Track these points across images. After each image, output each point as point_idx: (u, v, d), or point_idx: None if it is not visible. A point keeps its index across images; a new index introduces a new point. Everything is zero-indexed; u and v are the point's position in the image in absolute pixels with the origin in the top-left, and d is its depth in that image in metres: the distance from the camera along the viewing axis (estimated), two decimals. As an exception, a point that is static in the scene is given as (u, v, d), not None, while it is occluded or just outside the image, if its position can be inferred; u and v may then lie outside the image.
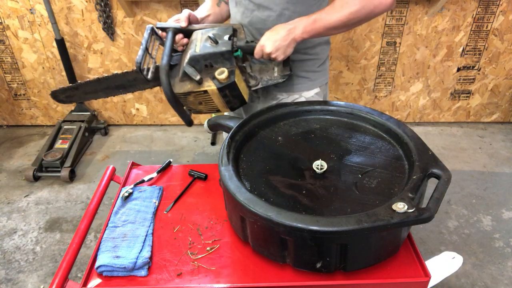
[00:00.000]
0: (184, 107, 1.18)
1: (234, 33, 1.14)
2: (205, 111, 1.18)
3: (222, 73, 1.06)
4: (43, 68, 2.78)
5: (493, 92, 2.88)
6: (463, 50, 2.70)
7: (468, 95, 2.90)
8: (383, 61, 2.74)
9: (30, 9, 2.55)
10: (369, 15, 1.06)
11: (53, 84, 2.85)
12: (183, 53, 1.18)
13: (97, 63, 2.76)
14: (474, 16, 2.56)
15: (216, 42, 1.09)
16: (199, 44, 1.11)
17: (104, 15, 2.53)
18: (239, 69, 1.11)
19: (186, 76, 1.10)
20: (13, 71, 2.79)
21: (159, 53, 1.14)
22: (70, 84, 1.36)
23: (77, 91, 1.35)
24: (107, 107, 2.97)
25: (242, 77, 1.13)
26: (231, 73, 1.07)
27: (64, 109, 2.97)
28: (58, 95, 1.37)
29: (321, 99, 1.33)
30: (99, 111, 2.99)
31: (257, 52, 1.09)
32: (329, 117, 1.11)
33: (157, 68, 1.14)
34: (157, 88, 2.85)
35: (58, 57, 2.66)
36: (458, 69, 2.78)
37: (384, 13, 2.53)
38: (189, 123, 1.21)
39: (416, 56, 2.72)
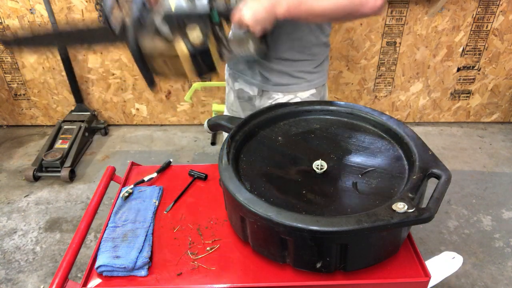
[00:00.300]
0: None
1: None
2: (170, 75, 1.08)
3: (196, 37, 0.99)
4: (43, 68, 2.78)
5: (493, 92, 2.88)
6: (463, 50, 2.70)
7: (468, 95, 2.90)
8: (383, 61, 2.75)
9: (30, 9, 2.55)
10: (355, 12, 1.03)
11: (53, 84, 2.85)
12: (154, 8, 1.06)
13: (97, 63, 2.76)
14: (474, 16, 2.56)
15: (193, 0, 1.01)
16: (174, 0, 1.02)
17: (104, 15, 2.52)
18: (213, 36, 1.04)
19: (158, 35, 1.01)
20: (13, 71, 2.79)
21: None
22: (26, 34, 1.20)
23: (32, 40, 1.19)
24: (107, 107, 2.97)
25: (215, 45, 1.05)
26: (205, 37, 1.00)
27: (64, 109, 2.97)
28: (8, 40, 1.22)
29: None
30: (99, 111, 2.99)
31: (234, 19, 1.02)
32: (329, 117, 1.11)
33: (126, 23, 1.04)
34: (157, 88, 2.86)
35: (58, 57, 2.66)
36: (458, 69, 2.78)
37: (383, 13, 2.53)
38: (153, 84, 1.10)
39: (416, 56, 2.72)
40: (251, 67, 1.28)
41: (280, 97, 1.28)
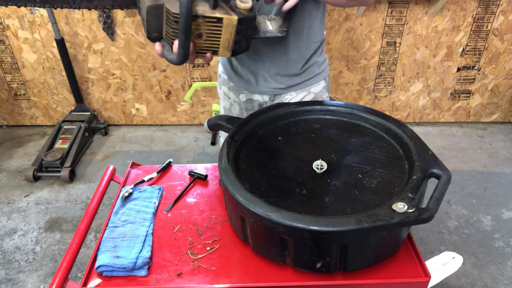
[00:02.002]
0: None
1: None
2: (200, 47, 0.94)
3: (245, 2, 0.90)
4: (43, 68, 2.78)
5: (493, 92, 2.88)
6: (463, 50, 2.70)
7: (468, 95, 2.90)
8: (383, 61, 2.75)
9: (30, 9, 2.55)
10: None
11: (53, 84, 2.85)
12: None
13: (97, 63, 2.76)
14: (474, 16, 2.56)
15: None
16: None
17: (104, 15, 2.53)
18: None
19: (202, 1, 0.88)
20: (13, 71, 2.79)
21: None
22: None
23: None
24: (107, 107, 2.97)
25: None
26: (253, 4, 0.91)
27: (64, 109, 2.97)
28: None
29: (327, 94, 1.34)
30: (99, 111, 2.99)
31: None
32: (329, 117, 1.11)
33: None
34: (157, 88, 2.87)
35: (58, 57, 2.66)
36: (458, 69, 2.78)
37: (383, 13, 2.53)
38: (185, 58, 0.91)
39: (416, 56, 2.72)
40: (259, 75, 1.25)
41: (294, 97, 1.27)
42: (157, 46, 0.94)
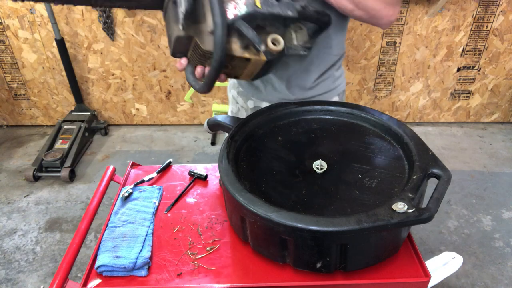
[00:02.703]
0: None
1: None
2: (225, 76, 0.95)
3: (277, 43, 0.86)
4: (43, 68, 2.78)
5: (493, 92, 2.88)
6: (463, 50, 2.70)
7: (468, 95, 2.90)
8: (383, 61, 2.75)
9: (30, 9, 2.55)
10: (370, 15, 1.01)
11: (53, 84, 2.85)
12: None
13: (97, 63, 2.76)
14: (474, 16, 2.56)
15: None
16: None
17: (104, 15, 2.53)
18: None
19: (235, 34, 0.84)
20: (13, 71, 2.80)
21: None
22: None
23: None
24: (107, 107, 2.97)
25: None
26: (284, 44, 0.87)
27: (64, 109, 2.97)
28: None
29: None
30: (99, 111, 2.99)
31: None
32: (329, 117, 1.11)
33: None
34: (157, 88, 2.87)
35: (58, 57, 2.66)
36: (458, 69, 2.78)
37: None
38: (208, 90, 0.90)
39: (416, 56, 2.72)
40: (269, 82, 1.21)
41: None
42: (181, 63, 0.94)
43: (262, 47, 0.84)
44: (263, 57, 0.86)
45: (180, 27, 0.83)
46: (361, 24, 2.59)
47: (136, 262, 0.88)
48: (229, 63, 0.88)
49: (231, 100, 1.38)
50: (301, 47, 0.94)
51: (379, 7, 1.01)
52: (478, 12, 2.54)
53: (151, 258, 0.91)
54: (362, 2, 0.99)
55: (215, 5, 0.77)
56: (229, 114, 1.42)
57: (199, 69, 0.93)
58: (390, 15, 1.03)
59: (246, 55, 0.86)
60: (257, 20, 0.84)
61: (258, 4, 0.83)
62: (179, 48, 0.90)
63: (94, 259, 0.91)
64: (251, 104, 1.30)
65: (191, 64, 0.94)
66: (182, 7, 0.80)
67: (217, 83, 0.91)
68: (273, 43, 0.86)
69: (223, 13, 0.78)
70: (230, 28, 0.82)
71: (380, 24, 1.06)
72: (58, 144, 2.62)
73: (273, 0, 0.85)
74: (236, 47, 0.85)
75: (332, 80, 1.23)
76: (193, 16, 0.83)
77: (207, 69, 0.93)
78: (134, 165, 1.26)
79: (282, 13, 0.84)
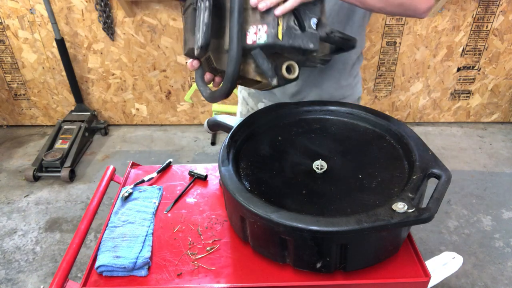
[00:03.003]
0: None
1: (321, 7, 0.84)
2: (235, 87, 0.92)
3: (291, 71, 0.85)
4: (43, 68, 2.78)
5: (493, 92, 2.89)
6: (463, 50, 2.70)
7: (468, 95, 2.90)
8: (383, 61, 2.75)
9: (30, 9, 2.55)
10: (404, 8, 0.93)
11: (53, 84, 2.85)
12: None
13: (97, 63, 2.76)
14: (474, 16, 2.56)
15: (303, 29, 0.81)
16: (282, 23, 0.79)
17: (104, 15, 2.53)
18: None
19: (250, 57, 0.82)
20: (13, 71, 2.80)
21: None
22: None
23: None
24: (107, 107, 2.97)
25: None
26: (299, 71, 0.86)
27: (64, 109, 2.97)
28: None
29: None
30: (99, 111, 2.99)
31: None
32: (329, 117, 1.11)
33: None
34: (157, 88, 2.87)
35: (58, 57, 2.66)
36: (458, 69, 2.78)
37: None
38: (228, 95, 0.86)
39: (416, 56, 2.72)
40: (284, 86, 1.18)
41: None
42: (192, 65, 0.92)
43: (274, 81, 0.82)
44: (275, 83, 0.84)
45: (196, 52, 0.81)
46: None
47: (136, 262, 0.88)
48: (240, 78, 0.87)
49: (241, 101, 1.36)
50: (320, 60, 0.91)
51: None
52: (478, 12, 2.54)
53: (151, 258, 0.91)
54: None
55: (234, 27, 0.74)
56: (238, 115, 1.40)
57: (208, 76, 0.91)
58: (426, 1, 0.94)
59: (258, 78, 0.85)
60: (275, 49, 0.82)
61: (280, 35, 0.79)
62: (191, 55, 0.89)
63: (94, 259, 0.91)
64: (262, 106, 1.28)
65: (202, 68, 0.92)
66: (199, 42, 0.78)
67: None
68: (288, 69, 0.84)
69: (242, 37, 0.76)
70: (246, 52, 0.80)
71: (418, 14, 0.97)
72: (58, 144, 2.62)
73: (297, 29, 0.81)
74: (250, 70, 0.84)
75: (350, 88, 1.20)
76: (212, 31, 0.79)
77: (217, 78, 0.92)
78: (134, 165, 1.26)
79: (303, 46, 0.81)
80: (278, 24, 0.78)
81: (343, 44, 0.91)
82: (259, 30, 0.79)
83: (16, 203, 2.31)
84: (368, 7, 0.93)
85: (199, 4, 0.79)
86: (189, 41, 0.86)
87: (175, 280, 0.87)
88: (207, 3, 0.77)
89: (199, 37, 0.78)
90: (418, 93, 2.88)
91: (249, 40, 0.79)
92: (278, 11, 0.78)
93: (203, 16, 0.77)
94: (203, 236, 0.97)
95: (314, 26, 0.82)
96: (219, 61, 0.84)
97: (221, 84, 0.85)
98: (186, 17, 0.89)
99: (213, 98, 0.87)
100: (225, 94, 0.82)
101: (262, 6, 0.78)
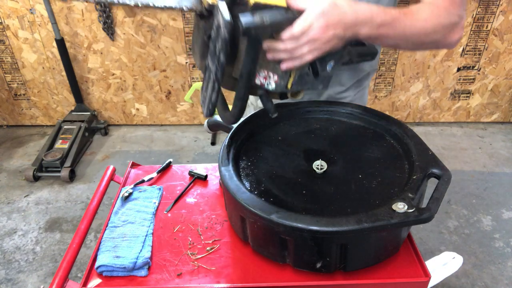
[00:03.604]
0: None
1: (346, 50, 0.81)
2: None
3: (297, 95, 0.86)
4: (43, 68, 2.78)
5: (493, 92, 2.88)
6: (463, 50, 2.70)
7: (468, 95, 2.90)
8: (383, 61, 2.74)
9: (30, 9, 2.55)
10: (437, 42, 0.85)
11: (53, 84, 2.85)
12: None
13: (97, 63, 2.76)
14: (474, 16, 2.56)
15: (317, 75, 0.77)
16: (294, 74, 0.76)
17: (104, 15, 2.53)
18: None
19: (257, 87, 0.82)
20: (13, 71, 2.79)
21: None
22: None
23: None
24: (107, 107, 2.97)
25: None
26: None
27: (64, 109, 2.97)
28: None
29: None
30: (99, 111, 2.99)
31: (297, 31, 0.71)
32: (329, 117, 1.11)
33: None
34: (157, 88, 2.87)
35: (58, 57, 2.66)
36: (458, 69, 2.78)
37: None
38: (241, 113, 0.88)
39: (416, 56, 2.72)
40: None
41: None
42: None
43: (275, 115, 0.84)
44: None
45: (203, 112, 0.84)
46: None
47: (136, 262, 0.88)
48: None
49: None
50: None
51: (431, 31, 0.81)
52: (478, 12, 2.54)
53: (151, 258, 0.91)
54: (407, 35, 0.80)
55: (246, 66, 0.73)
56: None
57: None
58: (457, 33, 0.85)
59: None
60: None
61: (290, 85, 0.76)
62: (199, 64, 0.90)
63: (94, 259, 0.91)
64: (260, 103, 1.28)
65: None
66: (204, 110, 0.82)
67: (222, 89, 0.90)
68: (294, 94, 0.84)
69: (252, 76, 0.75)
70: (253, 86, 0.79)
71: (451, 47, 0.89)
72: (58, 144, 2.62)
73: (309, 75, 0.77)
74: (254, 93, 0.86)
75: (360, 96, 1.20)
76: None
77: None
78: (134, 165, 1.26)
79: (312, 88, 0.81)
80: (290, 76, 0.75)
81: (364, 59, 0.91)
82: (269, 77, 0.77)
83: (16, 203, 2.31)
84: (404, 50, 0.92)
85: (213, 41, 0.73)
86: (196, 60, 0.88)
87: (175, 280, 0.87)
88: (222, 58, 0.71)
89: (205, 107, 0.81)
90: (418, 93, 2.88)
91: (258, 81, 0.79)
92: (288, 66, 0.73)
93: (214, 87, 0.76)
94: (203, 236, 0.97)
95: (329, 69, 0.78)
96: (227, 84, 0.86)
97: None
98: (196, 38, 0.87)
99: (211, 115, 0.88)
100: (236, 118, 0.85)
101: (270, 57, 0.73)
